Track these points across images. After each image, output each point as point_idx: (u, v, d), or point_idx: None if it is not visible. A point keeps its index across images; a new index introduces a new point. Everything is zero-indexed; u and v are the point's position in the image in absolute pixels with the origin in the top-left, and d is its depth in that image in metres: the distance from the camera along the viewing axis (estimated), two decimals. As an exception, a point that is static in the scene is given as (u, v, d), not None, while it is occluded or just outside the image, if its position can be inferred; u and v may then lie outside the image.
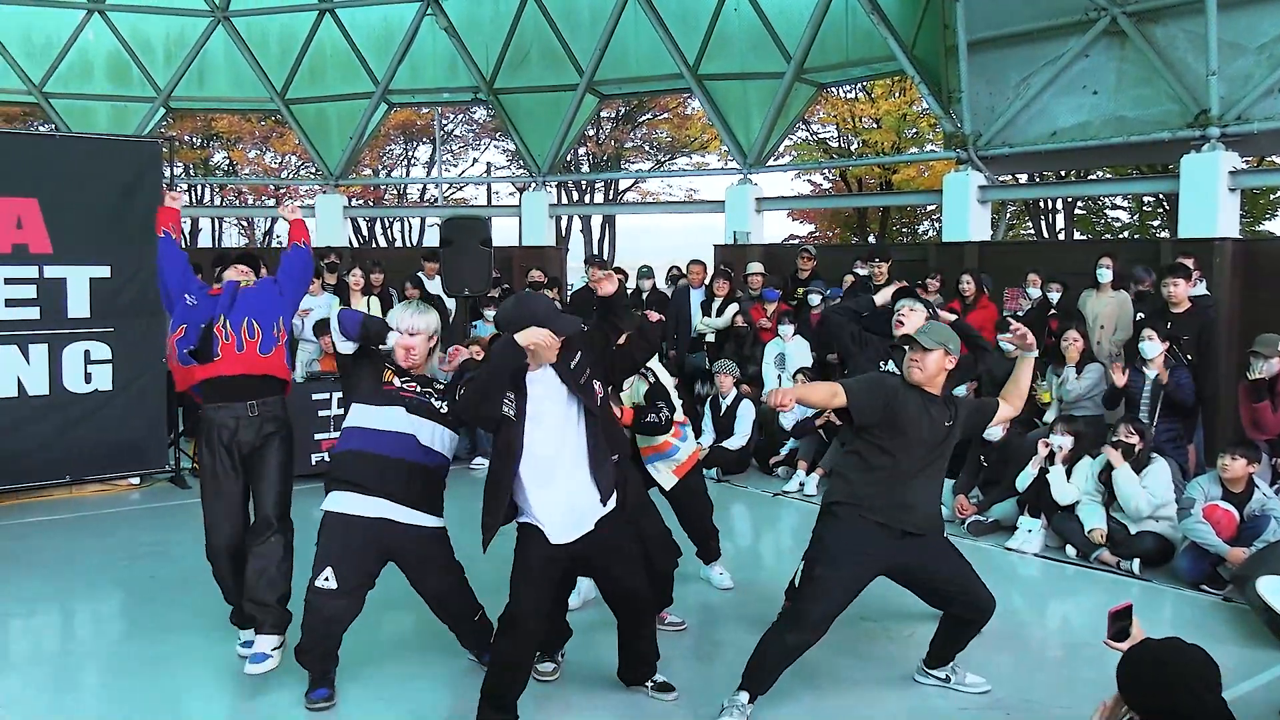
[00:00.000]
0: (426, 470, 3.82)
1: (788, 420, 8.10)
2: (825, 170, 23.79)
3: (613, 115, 25.44)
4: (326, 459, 7.02)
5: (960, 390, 5.45)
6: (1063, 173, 16.73)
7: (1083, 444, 6.12)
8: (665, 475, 4.91)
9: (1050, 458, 6.08)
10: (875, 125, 21.48)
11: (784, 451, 8.13)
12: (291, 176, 25.61)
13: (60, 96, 13.98)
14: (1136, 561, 5.58)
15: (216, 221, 27.88)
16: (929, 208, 20.51)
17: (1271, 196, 20.09)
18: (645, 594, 3.78)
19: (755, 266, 9.64)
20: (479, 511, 3.50)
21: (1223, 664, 2.43)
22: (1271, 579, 4.60)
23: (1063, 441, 6.07)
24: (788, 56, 12.21)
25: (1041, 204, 23.22)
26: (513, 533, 3.57)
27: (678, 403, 4.89)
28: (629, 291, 9.68)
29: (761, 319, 9.04)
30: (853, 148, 22.91)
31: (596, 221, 28.69)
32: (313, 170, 16.67)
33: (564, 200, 24.47)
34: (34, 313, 7.05)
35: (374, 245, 26.52)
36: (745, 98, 12.95)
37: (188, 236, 23.75)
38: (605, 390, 3.66)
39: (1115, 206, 23.11)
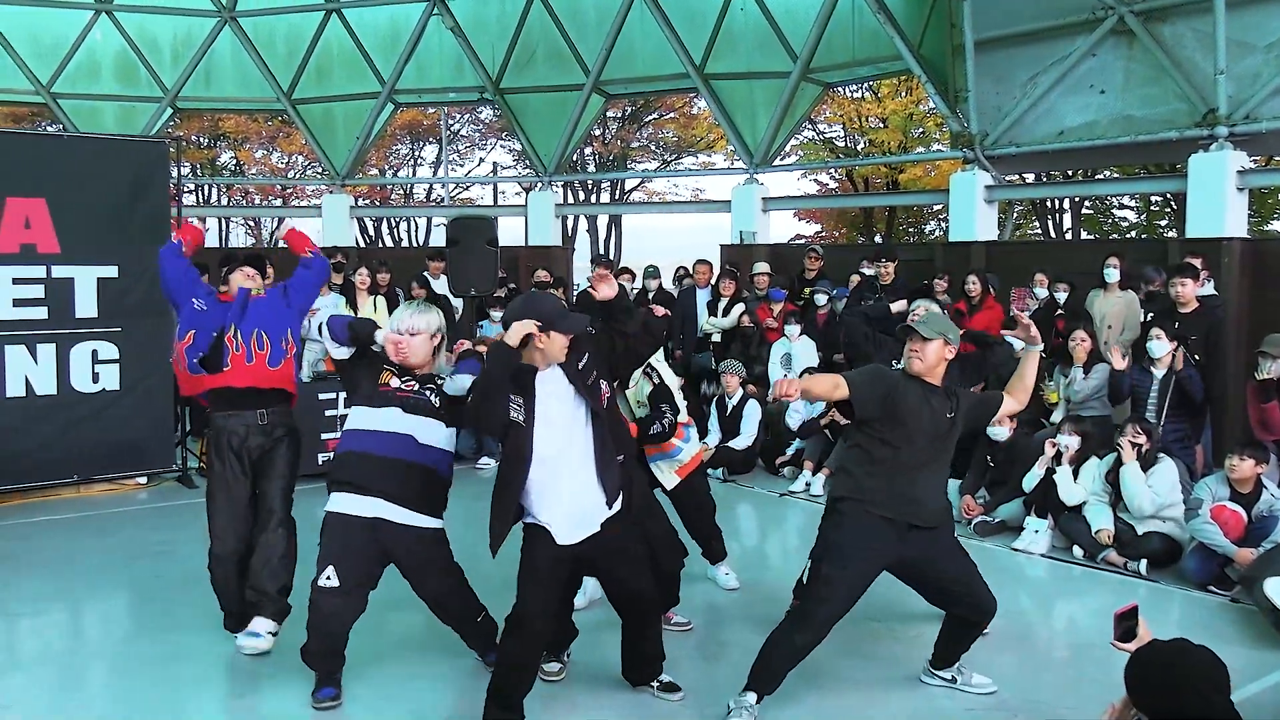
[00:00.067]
0: (425, 469, 3.83)
1: (793, 420, 8.10)
2: (831, 170, 23.77)
3: (619, 115, 25.43)
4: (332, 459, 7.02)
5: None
6: (1070, 172, 16.68)
7: (1090, 444, 6.10)
8: (667, 475, 4.91)
9: (1057, 458, 6.07)
10: (882, 125, 21.43)
11: (790, 451, 8.11)
12: (298, 176, 25.67)
13: (68, 97, 14.01)
14: (1143, 562, 5.56)
15: (223, 221, 27.92)
16: (935, 207, 20.48)
17: (1280, 195, 20.03)
18: (650, 595, 3.78)
19: (761, 266, 9.64)
20: (485, 512, 3.50)
21: (1230, 665, 2.41)
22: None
23: (1070, 442, 6.05)
24: (794, 56, 12.17)
25: (1048, 203, 23.16)
26: (519, 533, 3.57)
27: (682, 404, 4.89)
28: (634, 292, 9.72)
29: (768, 319, 9.02)
30: (859, 147, 22.87)
31: (603, 221, 28.69)
32: (319, 170, 16.72)
33: (570, 200, 24.50)
34: (42, 312, 7.08)
35: (380, 245, 26.51)
36: (751, 97, 12.93)
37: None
38: (612, 390, 3.66)
39: (1123, 206, 23.03)
